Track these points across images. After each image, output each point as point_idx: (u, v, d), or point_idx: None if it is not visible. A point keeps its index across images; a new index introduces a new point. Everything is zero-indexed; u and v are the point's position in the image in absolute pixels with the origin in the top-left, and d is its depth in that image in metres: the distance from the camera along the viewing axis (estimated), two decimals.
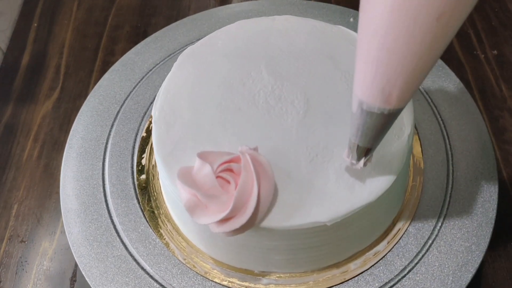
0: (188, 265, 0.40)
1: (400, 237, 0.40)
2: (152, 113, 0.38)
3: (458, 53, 0.61)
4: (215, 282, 0.39)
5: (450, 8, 0.21)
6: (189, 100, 0.38)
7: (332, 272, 0.39)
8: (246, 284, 0.39)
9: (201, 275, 0.39)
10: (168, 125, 0.37)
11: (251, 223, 0.31)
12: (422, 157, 0.45)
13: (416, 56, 0.22)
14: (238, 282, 0.39)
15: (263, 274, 0.39)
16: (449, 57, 0.60)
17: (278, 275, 0.39)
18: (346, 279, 0.38)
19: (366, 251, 0.40)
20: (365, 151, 0.30)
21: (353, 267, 0.39)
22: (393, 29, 0.22)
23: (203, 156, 0.32)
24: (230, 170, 0.32)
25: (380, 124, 0.26)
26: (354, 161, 0.31)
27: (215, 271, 0.39)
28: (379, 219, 0.39)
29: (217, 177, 0.32)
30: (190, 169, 0.33)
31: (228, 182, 0.32)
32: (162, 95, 0.39)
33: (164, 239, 0.41)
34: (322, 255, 0.37)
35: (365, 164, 0.31)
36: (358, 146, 0.29)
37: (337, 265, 0.39)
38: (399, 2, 0.21)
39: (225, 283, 0.39)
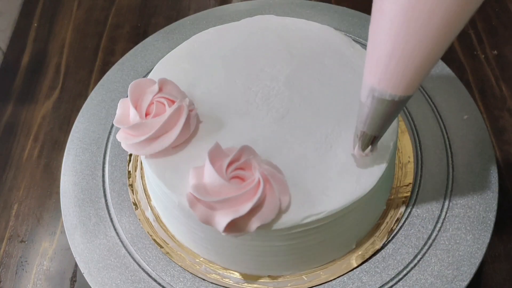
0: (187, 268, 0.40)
1: (399, 237, 0.40)
2: None
3: (459, 53, 0.61)
4: (213, 283, 0.39)
5: (455, 17, 0.24)
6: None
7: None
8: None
9: (199, 277, 0.39)
10: None
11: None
12: (422, 157, 0.45)
13: (425, 51, 0.25)
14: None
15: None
16: (449, 57, 0.60)
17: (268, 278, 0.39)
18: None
19: (365, 251, 0.40)
20: (372, 139, 0.31)
21: (351, 265, 0.39)
22: (406, 30, 0.25)
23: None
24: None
25: (390, 111, 0.29)
26: (361, 152, 0.32)
27: (213, 275, 0.39)
28: (367, 215, 0.39)
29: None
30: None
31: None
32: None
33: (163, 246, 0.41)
34: (310, 255, 0.37)
35: (371, 150, 0.32)
36: (365, 134, 0.31)
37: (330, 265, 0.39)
38: (411, 8, 0.24)
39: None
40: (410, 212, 0.41)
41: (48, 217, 0.49)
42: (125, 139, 0.34)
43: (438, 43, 0.25)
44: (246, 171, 0.32)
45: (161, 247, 0.41)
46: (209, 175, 0.31)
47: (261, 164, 0.32)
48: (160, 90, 0.35)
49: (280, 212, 0.32)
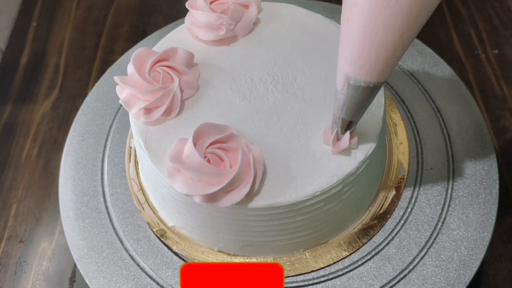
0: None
1: (399, 237, 0.40)
2: None
3: (459, 53, 0.61)
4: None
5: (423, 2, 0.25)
6: None
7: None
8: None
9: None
10: None
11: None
12: (423, 157, 0.44)
13: (396, 37, 0.27)
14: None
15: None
16: (450, 56, 0.60)
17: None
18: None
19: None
20: (348, 124, 0.33)
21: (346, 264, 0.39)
22: (376, 18, 0.26)
23: None
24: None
25: (365, 97, 0.30)
26: (337, 138, 0.33)
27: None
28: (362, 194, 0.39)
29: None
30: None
31: None
32: None
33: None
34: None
35: (351, 145, 0.34)
36: (342, 119, 0.32)
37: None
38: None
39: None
40: (395, 235, 0.40)
41: (47, 217, 0.49)
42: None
43: (408, 28, 0.26)
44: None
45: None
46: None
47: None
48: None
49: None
